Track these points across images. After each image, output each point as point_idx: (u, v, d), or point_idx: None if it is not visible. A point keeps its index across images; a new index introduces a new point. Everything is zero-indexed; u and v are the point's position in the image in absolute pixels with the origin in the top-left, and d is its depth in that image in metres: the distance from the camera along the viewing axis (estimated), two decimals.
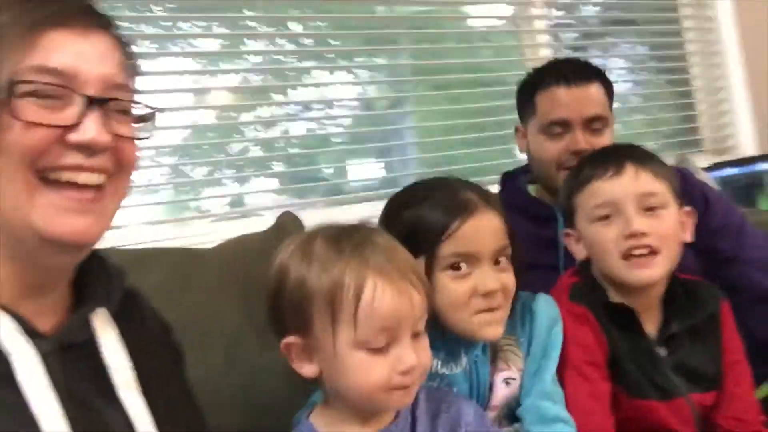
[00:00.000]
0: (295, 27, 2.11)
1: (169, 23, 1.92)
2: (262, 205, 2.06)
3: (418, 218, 1.04)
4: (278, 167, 2.12)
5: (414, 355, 0.86)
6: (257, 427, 1.14)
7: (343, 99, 2.21)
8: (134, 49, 0.80)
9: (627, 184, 1.12)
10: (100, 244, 0.75)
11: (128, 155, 0.74)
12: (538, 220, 1.44)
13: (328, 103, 2.15)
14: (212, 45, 2.02)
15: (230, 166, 2.07)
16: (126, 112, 0.75)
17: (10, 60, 0.68)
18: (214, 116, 2.04)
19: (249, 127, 2.12)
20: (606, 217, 1.12)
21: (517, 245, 1.06)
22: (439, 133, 2.23)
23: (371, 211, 1.65)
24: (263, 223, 1.41)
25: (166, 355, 0.89)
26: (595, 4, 2.70)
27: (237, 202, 2.08)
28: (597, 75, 1.45)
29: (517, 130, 1.55)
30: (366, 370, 0.85)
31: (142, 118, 0.78)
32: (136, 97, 0.77)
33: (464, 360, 1.06)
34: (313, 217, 1.35)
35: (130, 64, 0.77)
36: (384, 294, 0.85)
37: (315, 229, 0.93)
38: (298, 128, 2.17)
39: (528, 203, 1.50)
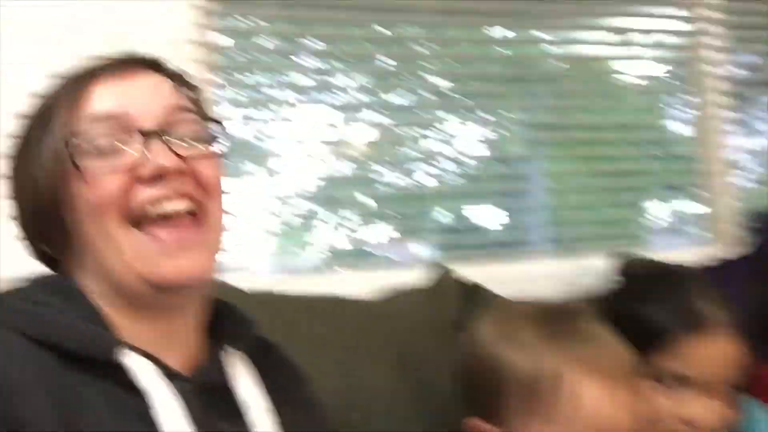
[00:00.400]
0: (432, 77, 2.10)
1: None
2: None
3: (634, 318, 0.91)
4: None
5: None
6: None
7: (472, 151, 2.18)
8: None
9: None
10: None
11: (208, 174, 0.72)
12: None
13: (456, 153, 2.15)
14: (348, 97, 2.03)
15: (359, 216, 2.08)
16: (194, 138, 0.73)
17: (65, 122, 0.70)
18: (349, 165, 2.05)
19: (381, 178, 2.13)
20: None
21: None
22: (572, 191, 2.16)
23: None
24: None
25: (305, 403, 0.85)
26: None
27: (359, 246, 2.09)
28: None
29: None
30: None
31: (213, 138, 0.76)
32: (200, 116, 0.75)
33: None
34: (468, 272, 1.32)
35: (186, 91, 0.77)
36: (592, 392, 0.75)
37: (519, 306, 0.87)
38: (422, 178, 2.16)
39: None
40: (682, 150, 2.18)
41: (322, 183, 2.00)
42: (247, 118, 1.83)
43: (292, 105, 1.84)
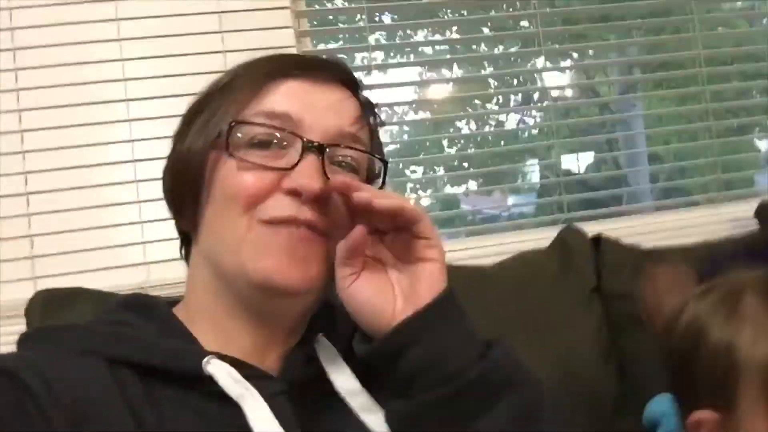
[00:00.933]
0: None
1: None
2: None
3: None
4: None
5: None
6: None
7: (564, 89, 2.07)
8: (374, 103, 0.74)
9: None
10: None
11: (340, 210, 0.67)
12: None
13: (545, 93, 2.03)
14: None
15: (446, 169, 2.01)
16: (353, 168, 0.70)
17: (236, 107, 0.68)
18: (430, 115, 1.97)
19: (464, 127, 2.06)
20: None
21: None
22: (672, 124, 2.03)
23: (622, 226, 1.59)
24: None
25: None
26: None
27: (452, 203, 2.04)
28: None
29: None
30: None
31: (371, 176, 0.73)
32: (368, 152, 0.71)
33: None
34: (597, 228, 1.24)
35: (367, 121, 0.73)
36: None
37: (740, 280, 0.76)
38: (512, 124, 2.08)
39: None
40: None
41: (407, 139, 1.94)
42: None
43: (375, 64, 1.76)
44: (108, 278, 1.25)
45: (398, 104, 1.85)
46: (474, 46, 1.96)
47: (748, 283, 0.74)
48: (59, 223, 1.33)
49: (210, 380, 0.62)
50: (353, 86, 0.73)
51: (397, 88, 1.78)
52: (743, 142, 1.99)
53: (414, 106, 1.90)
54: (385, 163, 0.74)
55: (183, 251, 0.75)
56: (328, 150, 0.67)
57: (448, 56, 1.86)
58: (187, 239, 0.74)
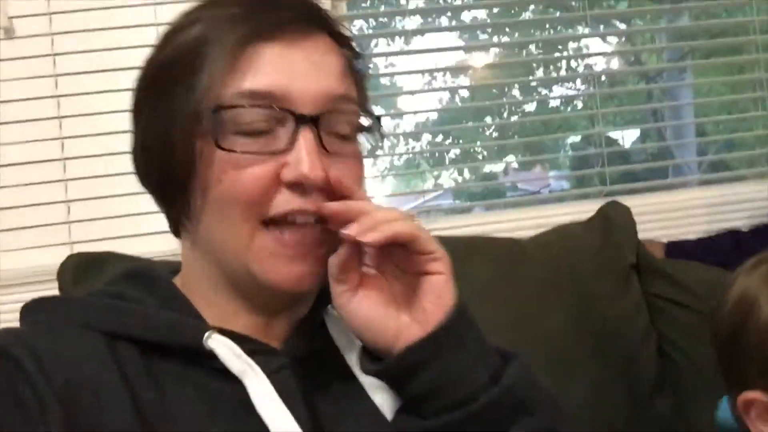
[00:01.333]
0: None
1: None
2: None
3: None
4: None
5: None
6: None
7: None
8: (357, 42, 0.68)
9: None
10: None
11: (349, 182, 0.63)
12: None
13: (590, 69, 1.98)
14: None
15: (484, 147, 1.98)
16: (348, 130, 0.65)
17: (213, 86, 0.61)
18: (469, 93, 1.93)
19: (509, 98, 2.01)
20: None
21: None
22: (721, 94, 1.95)
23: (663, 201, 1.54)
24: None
25: None
26: None
27: (491, 177, 2.00)
28: None
29: None
30: None
31: (367, 129, 0.67)
32: (360, 109, 0.66)
33: None
34: (638, 203, 1.20)
35: (353, 69, 0.67)
36: None
37: None
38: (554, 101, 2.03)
39: None
40: None
41: (447, 115, 1.90)
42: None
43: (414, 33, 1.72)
44: (141, 245, 1.26)
45: (437, 70, 1.80)
46: (514, 11, 1.91)
47: None
48: (96, 188, 1.34)
49: (212, 355, 0.61)
50: (333, 33, 0.67)
51: (436, 53, 1.74)
52: None
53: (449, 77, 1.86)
54: (377, 118, 0.69)
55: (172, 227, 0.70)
56: (322, 121, 0.62)
57: (489, 21, 1.81)
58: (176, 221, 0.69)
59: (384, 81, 1.86)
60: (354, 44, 0.69)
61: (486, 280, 1.08)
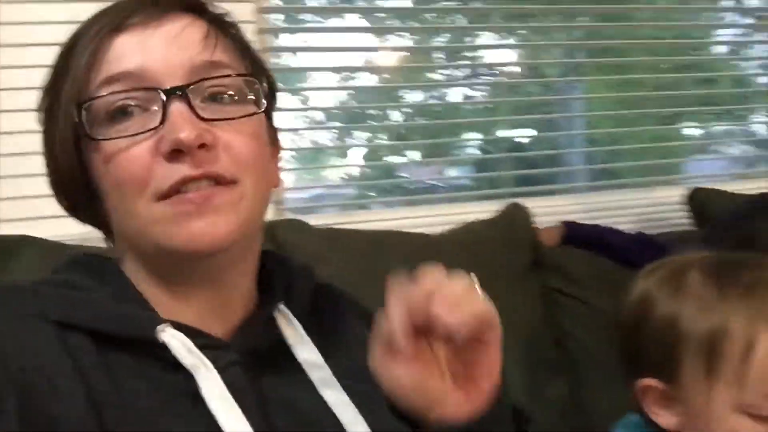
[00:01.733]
0: None
1: None
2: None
3: (752, 231, 0.93)
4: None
5: None
6: None
7: (506, 64, 2.10)
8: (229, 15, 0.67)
9: None
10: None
11: (237, 146, 0.61)
12: None
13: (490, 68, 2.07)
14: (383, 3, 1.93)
15: (388, 137, 2.02)
16: (229, 95, 0.63)
17: (77, 83, 0.61)
18: (377, 81, 1.97)
19: (409, 96, 2.06)
20: None
21: None
22: (611, 108, 2.09)
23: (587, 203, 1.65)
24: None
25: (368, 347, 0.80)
26: None
27: (390, 171, 2.05)
28: None
29: None
30: None
31: (255, 94, 0.64)
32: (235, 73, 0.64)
33: None
34: (534, 204, 1.28)
35: (221, 38, 0.65)
36: None
37: (686, 258, 0.80)
38: (456, 96, 2.10)
39: None
40: (723, 72, 2.11)
41: (351, 104, 1.93)
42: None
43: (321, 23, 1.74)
44: (56, 227, 1.21)
45: (345, 69, 1.84)
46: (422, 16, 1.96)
47: (694, 261, 0.79)
48: (11, 167, 1.28)
49: (164, 348, 0.60)
50: (193, 9, 0.65)
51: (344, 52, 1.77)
52: (673, 131, 2.08)
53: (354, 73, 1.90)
54: (270, 80, 0.67)
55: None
56: (189, 92, 0.60)
57: (398, 23, 1.86)
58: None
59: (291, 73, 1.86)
60: (222, 17, 0.67)
61: (388, 274, 1.11)
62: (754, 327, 0.71)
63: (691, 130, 2.18)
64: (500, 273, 1.18)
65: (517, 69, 2.13)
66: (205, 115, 0.60)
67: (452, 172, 2.20)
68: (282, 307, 0.69)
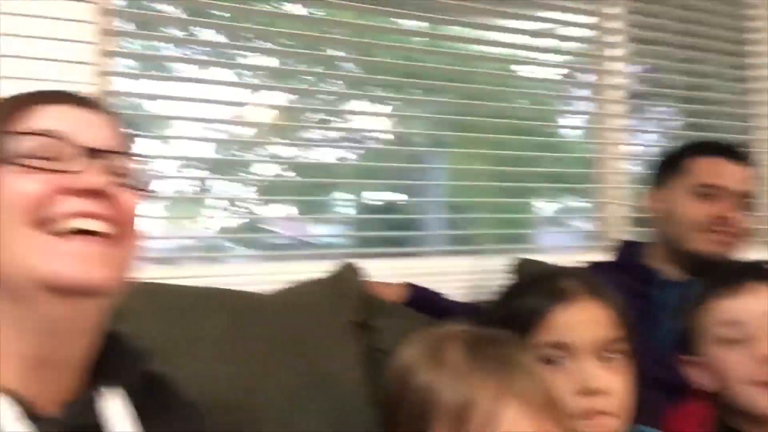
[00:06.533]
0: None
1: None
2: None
3: (513, 307, 1.00)
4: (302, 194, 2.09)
5: None
6: None
7: (377, 131, 2.18)
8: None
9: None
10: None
11: (129, 204, 0.70)
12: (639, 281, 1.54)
13: (359, 134, 2.14)
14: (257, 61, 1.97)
15: (258, 191, 2.04)
16: (123, 173, 0.71)
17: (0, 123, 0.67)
18: (250, 134, 2.00)
19: (282, 151, 2.10)
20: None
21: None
22: (471, 178, 2.21)
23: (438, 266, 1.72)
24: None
25: None
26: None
27: (254, 226, 2.06)
28: (749, 160, 1.63)
29: (649, 192, 1.67)
30: None
31: (141, 186, 0.74)
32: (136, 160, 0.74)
33: None
34: (372, 266, 1.33)
35: (124, 138, 0.75)
36: (522, 426, 0.75)
37: (448, 330, 0.85)
38: (329, 155, 2.15)
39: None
40: (575, 151, 2.27)
41: (219, 155, 1.95)
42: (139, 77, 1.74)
43: (189, 78, 1.76)
44: None
45: (214, 121, 1.86)
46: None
47: (453, 333, 0.84)
48: None
49: None
50: (102, 108, 0.75)
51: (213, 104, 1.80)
52: (524, 204, 2.22)
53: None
54: (147, 167, 0.75)
55: None
56: (107, 156, 0.68)
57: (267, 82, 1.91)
58: None
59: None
60: (119, 121, 0.76)
61: (220, 333, 1.12)
62: (499, 400, 0.75)
63: (542, 203, 2.33)
64: (323, 333, 1.20)
65: (389, 136, 2.22)
66: (113, 179, 0.68)
67: (322, 230, 2.23)
68: (105, 388, 0.69)
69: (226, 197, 2.01)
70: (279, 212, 2.08)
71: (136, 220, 0.71)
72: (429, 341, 0.84)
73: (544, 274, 1.06)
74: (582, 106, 2.37)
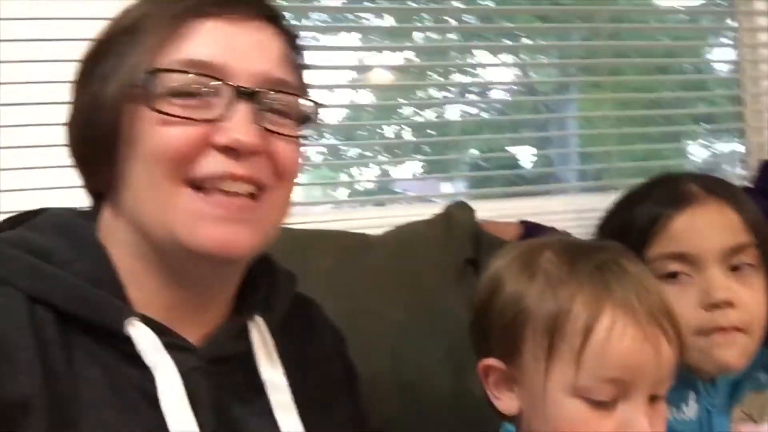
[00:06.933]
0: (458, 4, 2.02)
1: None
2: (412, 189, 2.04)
3: (627, 217, 0.90)
4: (428, 152, 2.07)
5: (647, 425, 0.68)
6: (421, 424, 1.09)
7: (503, 83, 2.12)
8: (300, 36, 0.70)
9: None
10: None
11: (286, 160, 0.65)
12: None
13: (485, 86, 2.08)
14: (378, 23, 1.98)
15: (384, 150, 2.06)
16: (285, 113, 0.66)
17: (150, 53, 0.61)
18: (372, 97, 2.01)
19: (405, 110, 2.10)
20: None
21: None
22: (606, 125, 2.08)
23: (545, 205, 1.64)
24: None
25: (335, 372, 0.80)
26: None
27: (385, 188, 2.08)
28: None
29: None
30: (579, 425, 0.68)
31: (304, 118, 0.68)
32: (299, 94, 0.67)
33: (694, 406, 0.87)
34: (485, 207, 1.28)
35: (293, 58, 0.68)
36: (624, 335, 0.68)
37: (543, 240, 0.79)
38: (453, 112, 2.12)
39: None
40: (724, 84, 2.06)
41: (346, 117, 1.97)
42: None
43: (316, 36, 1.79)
44: None
45: (337, 87, 1.88)
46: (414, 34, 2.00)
47: (548, 242, 0.78)
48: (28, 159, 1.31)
49: (128, 340, 0.60)
50: (276, 21, 0.68)
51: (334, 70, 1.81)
52: (670, 149, 2.05)
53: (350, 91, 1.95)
54: (318, 104, 0.69)
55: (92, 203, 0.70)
56: (258, 99, 0.62)
57: (387, 43, 1.90)
58: (97, 194, 0.68)
59: None
60: (296, 37, 0.70)
61: (327, 270, 1.13)
62: (597, 306, 0.69)
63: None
64: (432, 274, 1.18)
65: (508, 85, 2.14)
66: (266, 125, 0.63)
67: (449, 188, 2.21)
68: (258, 319, 0.69)
69: (354, 162, 2.05)
70: (406, 172, 2.09)
71: (293, 173, 0.66)
72: (521, 250, 0.78)
73: (662, 179, 0.94)
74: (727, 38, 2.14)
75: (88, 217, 0.68)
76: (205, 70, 0.61)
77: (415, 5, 1.92)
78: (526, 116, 1.98)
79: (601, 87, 2.01)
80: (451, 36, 1.91)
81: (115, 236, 0.65)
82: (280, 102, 0.65)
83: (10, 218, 0.69)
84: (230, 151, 0.60)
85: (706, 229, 0.85)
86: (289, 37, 0.69)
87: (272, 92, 0.64)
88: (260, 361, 0.67)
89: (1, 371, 0.55)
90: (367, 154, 2.16)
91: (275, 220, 0.66)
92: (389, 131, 2.21)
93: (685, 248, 0.85)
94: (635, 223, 0.88)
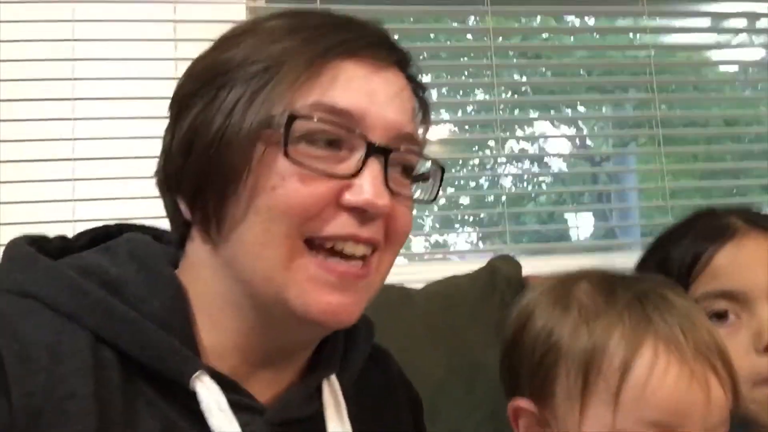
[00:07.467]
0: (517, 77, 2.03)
1: None
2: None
3: (666, 255, 0.84)
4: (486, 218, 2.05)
5: None
6: None
7: (561, 153, 2.09)
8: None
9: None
10: None
11: (402, 224, 0.61)
12: None
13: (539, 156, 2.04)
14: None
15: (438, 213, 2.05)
16: (407, 172, 0.63)
17: (290, 92, 0.57)
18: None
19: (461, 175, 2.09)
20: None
21: None
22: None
23: (592, 262, 1.55)
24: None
25: (406, 425, 0.77)
26: None
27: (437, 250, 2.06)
28: None
29: None
30: None
31: (422, 176, 0.65)
32: (422, 153, 0.64)
33: None
34: (529, 264, 1.25)
35: (421, 111, 0.66)
36: (667, 373, 0.62)
37: (575, 273, 0.73)
38: (506, 179, 2.11)
39: None
40: None
41: None
42: None
43: None
44: None
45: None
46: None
47: (585, 273, 0.72)
48: (102, 169, 1.38)
49: (193, 395, 0.57)
50: (407, 68, 0.65)
51: None
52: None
53: None
54: (443, 168, 0.66)
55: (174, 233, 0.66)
56: (392, 156, 0.59)
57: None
58: (184, 224, 0.63)
59: None
60: (425, 90, 0.67)
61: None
62: (636, 341, 0.63)
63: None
64: (474, 325, 1.14)
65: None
66: (392, 187, 0.59)
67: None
68: (333, 379, 0.65)
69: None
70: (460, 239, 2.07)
71: (406, 237, 0.63)
72: (555, 281, 0.73)
73: (701, 214, 0.89)
74: None
75: (170, 241, 0.65)
76: (346, 119, 0.58)
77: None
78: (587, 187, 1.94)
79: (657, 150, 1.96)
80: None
81: (201, 275, 0.61)
82: (407, 160, 0.62)
83: (87, 232, 0.67)
84: (359, 211, 0.57)
85: (752, 263, 0.79)
86: (419, 88, 0.66)
87: (402, 149, 0.61)
88: (330, 424, 0.64)
89: (55, 421, 0.52)
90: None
91: (380, 285, 0.63)
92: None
93: (730, 285, 0.79)
94: (675, 260, 0.83)
